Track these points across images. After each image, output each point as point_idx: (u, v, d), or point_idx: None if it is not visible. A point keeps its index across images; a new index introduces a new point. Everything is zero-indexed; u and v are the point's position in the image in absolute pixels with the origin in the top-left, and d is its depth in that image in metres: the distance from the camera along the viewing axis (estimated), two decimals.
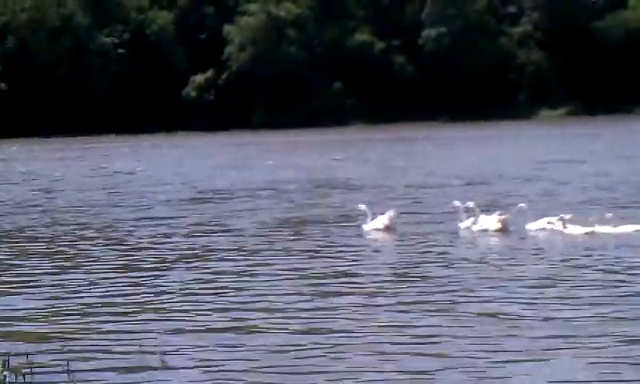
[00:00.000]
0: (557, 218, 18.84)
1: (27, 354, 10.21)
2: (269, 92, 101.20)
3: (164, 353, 10.21)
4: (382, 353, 10.03)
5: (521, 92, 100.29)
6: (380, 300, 12.67)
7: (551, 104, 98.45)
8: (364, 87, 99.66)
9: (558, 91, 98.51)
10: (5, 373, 9.56)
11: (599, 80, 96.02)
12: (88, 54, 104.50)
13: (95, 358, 10.22)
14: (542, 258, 15.80)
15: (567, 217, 18.73)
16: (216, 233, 20.31)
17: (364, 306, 12.35)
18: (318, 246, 17.96)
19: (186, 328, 11.46)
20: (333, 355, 10.01)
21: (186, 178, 37.72)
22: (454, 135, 70.60)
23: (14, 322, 12.13)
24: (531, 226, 19.07)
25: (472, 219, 19.55)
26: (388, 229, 19.68)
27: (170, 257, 17.13)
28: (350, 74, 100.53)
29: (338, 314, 11.87)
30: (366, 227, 19.87)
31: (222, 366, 9.80)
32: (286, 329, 11.20)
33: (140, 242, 19.27)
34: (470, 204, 19.73)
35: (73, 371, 9.71)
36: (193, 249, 18.06)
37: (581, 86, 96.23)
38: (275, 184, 32.60)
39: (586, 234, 18.04)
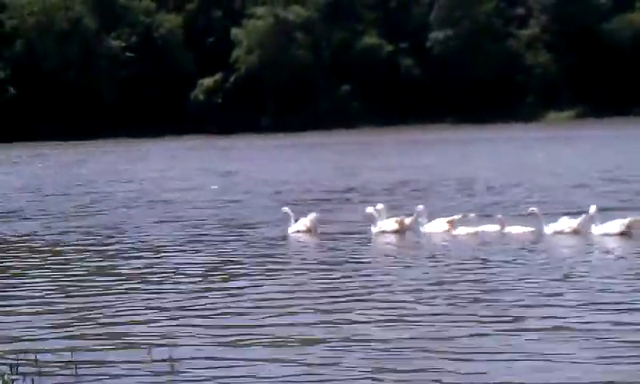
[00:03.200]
0: (447, 219, 19.92)
1: (36, 359, 10.22)
2: (277, 95, 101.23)
3: (173, 360, 10.21)
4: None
5: (528, 94, 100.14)
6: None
7: (559, 106, 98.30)
8: (372, 90, 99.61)
9: (566, 93, 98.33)
10: (13, 377, 9.58)
11: (607, 82, 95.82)
12: (96, 58, 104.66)
13: (104, 364, 10.23)
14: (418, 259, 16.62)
15: (457, 217, 19.71)
16: None
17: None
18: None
19: (198, 335, 11.46)
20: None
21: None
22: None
23: (22, 325, 12.16)
24: (425, 228, 19.97)
25: (384, 221, 20.38)
26: (310, 231, 20.35)
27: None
28: (357, 77, 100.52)
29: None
30: (290, 230, 20.49)
31: (232, 374, 9.80)
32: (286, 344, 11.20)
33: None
34: (379, 206, 20.51)
35: (81, 375, 9.73)
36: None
37: (588, 88, 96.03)
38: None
39: (471, 234, 19.12)
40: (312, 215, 20.63)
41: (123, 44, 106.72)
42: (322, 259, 16.96)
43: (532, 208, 19.37)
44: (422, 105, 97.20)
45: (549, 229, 18.76)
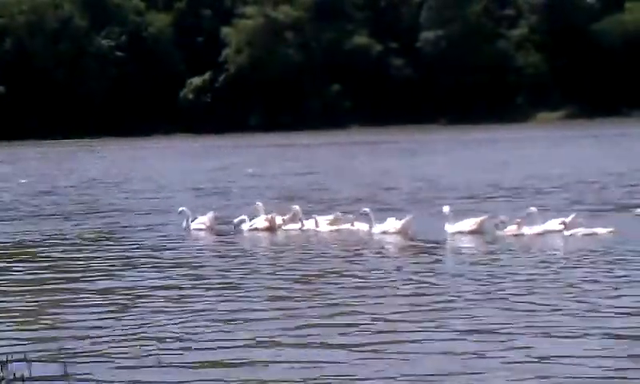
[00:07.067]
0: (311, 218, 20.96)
1: (25, 357, 10.16)
2: (266, 94, 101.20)
3: (160, 356, 10.15)
4: None
5: (519, 95, 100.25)
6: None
7: (549, 106, 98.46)
8: (361, 90, 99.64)
9: (556, 94, 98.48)
10: (2, 375, 9.52)
11: (597, 82, 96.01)
12: (86, 57, 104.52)
13: (93, 361, 10.16)
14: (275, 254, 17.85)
15: (319, 218, 20.80)
16: None
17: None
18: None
19: (187, 332, 11.41)
20: None
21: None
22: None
23: (11, 325, 12.09)
24: (287, 227, 21.08)
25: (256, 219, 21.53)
26: (210, 229, 21.41)
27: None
28: (347, 77, 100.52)
29: None
30: (192, 226, 21.55)
31: (218, 369, 9.76)
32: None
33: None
34: (257, 205, 21.74)
35: (70, 374, 9.67)
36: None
37: (578, 88, 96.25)
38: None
39: (332, 231, 20.38)
40: (210, 214, 21.84)
41: (113, 43, 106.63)
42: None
43: (364, 208, 20.52)
44: (412, 105, 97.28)
45: (376, 229, 19.92)
